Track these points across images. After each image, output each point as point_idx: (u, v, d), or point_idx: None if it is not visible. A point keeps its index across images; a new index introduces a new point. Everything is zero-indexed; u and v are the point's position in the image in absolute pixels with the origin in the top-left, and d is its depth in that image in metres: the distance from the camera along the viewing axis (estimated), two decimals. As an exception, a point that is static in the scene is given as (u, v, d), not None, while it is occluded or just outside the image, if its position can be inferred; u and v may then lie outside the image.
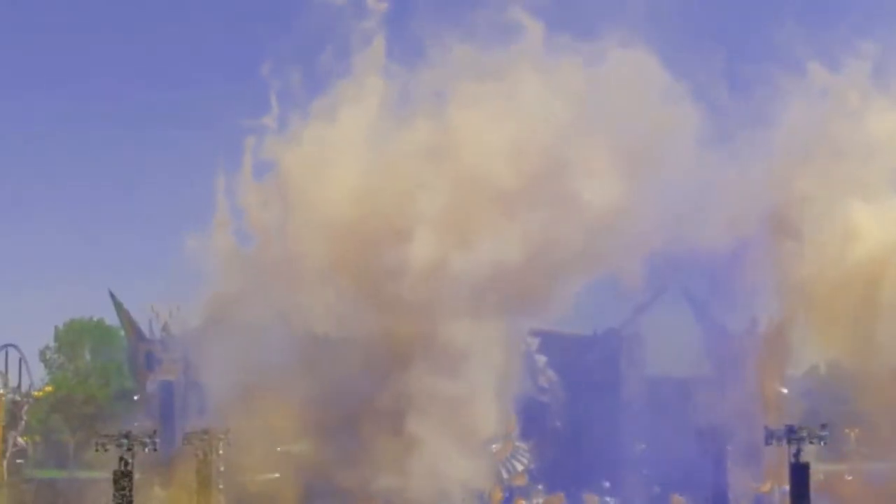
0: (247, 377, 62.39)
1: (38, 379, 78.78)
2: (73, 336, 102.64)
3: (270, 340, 64.60)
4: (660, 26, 64.62)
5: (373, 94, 66.83)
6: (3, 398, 66.46)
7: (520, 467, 65.93)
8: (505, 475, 64.08)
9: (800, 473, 48.96)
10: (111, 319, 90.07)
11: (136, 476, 44.43)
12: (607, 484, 66.50)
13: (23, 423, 68.67)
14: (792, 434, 49.91)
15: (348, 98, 66.75)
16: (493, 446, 64.32)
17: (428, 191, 63.65)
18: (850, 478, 65.79)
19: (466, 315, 62.24)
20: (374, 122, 66.78)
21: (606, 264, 65.88)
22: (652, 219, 65.00)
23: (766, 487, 64.12)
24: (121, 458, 43.88)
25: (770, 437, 51.13)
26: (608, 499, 66.44)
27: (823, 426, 50.41)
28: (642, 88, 64.13)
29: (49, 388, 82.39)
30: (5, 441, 66.53)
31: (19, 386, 68.80)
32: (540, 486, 67.05)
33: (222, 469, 57.60)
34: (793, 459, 49.49)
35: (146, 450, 44.87)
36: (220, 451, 56.71)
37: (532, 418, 68.62)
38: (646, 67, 63.98)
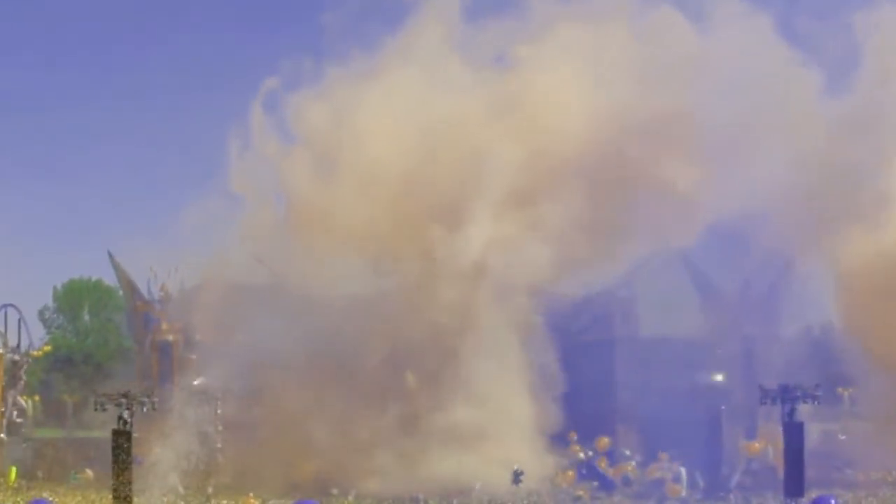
0: (246, 341, 61.40)
1: (37, 339, 78.83)
2: (72, 296, 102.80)
3: (272, 306, 62.82)
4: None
5: (432, 46, 60.84)
6: (3, 358, 66.46)
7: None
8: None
9: (794, 432, 48.73)
10: (110, 280, 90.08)
11: (135, 435, 44.29)
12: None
13: (22, 382, 68.67)
14: (786, 393, 49.69)
15: (404, 49, 61.28)
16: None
17: (488, 163, 57.21)
18: (843, 437, 66.16)
19: (503, 323, 58.51)
20: (431, 78, 60.89)
21: (660, 242, 63.61)
22: (723, 198, 60.74)
23: (759, 447, 64.39)
24: (119, 417, 43.67)
25: (764, 396, 51.12)
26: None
27: (817, 386, 50.28)
28: (752, 54, 58.71)
29: (48, 348, 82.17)
30: (4, 400, 66.51)
31: (18, 346, 68.73)
32: None
33: (220, 429, 57.81)
34: (786, 418, 49.25)
35: (144, 409, 44.67)
36: (219, 411, 56.98)
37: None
38: (757, 30, 58.57)
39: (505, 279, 57.99)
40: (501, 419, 57.99)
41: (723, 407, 63.79)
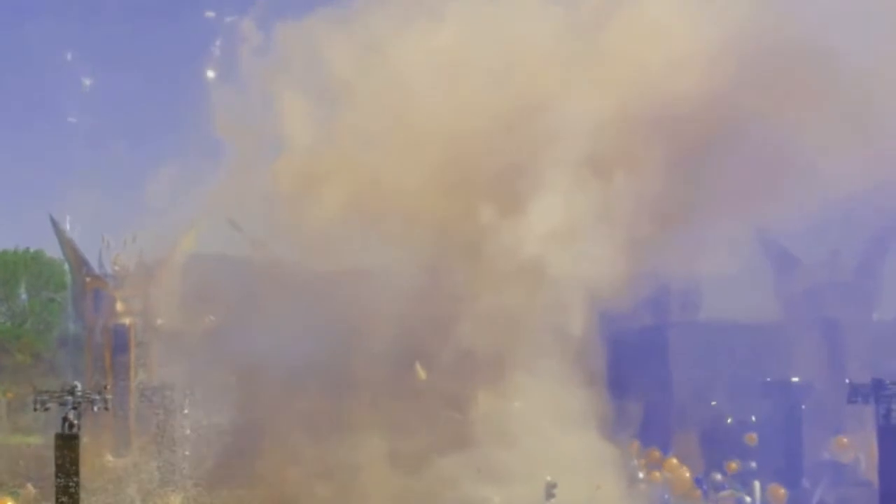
0: (219, 327, 61.67)
1: (-38, 324, 79.27)
2: (6, 271, 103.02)
3: (252, 286, 62.27)
4: None
5: None
6: (-78, 346, 66.98)
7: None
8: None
9: (890, 437, 48.76)
10: (53, 251, 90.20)
11: (84, 440, 44.41)
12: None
13: (-56, 376, 69.32)
14: (881, 390, 49.64)
15: None
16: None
17: (559, 122, 54.43)
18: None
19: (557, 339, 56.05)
20: (486, 6, 58.37)
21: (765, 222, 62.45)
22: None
23: (848, 453, 64.40)
24: (64, 419, 43.86)
25: (853, 393, 51.02)
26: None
27: (919, 381, 50.33)
28: None
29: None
30: (-76, 399, 67.11)
31: (-60, 331, 69.38)
32: None
33: (188, 432, 57.84)
34: (881, 421, 49.17)
35: (95, 409, 44.87)
36: (186, 411, 56.98)
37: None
38: None
39: (566, 283, 55.63)
40: (552, 465, 55.78)
41: (803, 407, 63.83)
